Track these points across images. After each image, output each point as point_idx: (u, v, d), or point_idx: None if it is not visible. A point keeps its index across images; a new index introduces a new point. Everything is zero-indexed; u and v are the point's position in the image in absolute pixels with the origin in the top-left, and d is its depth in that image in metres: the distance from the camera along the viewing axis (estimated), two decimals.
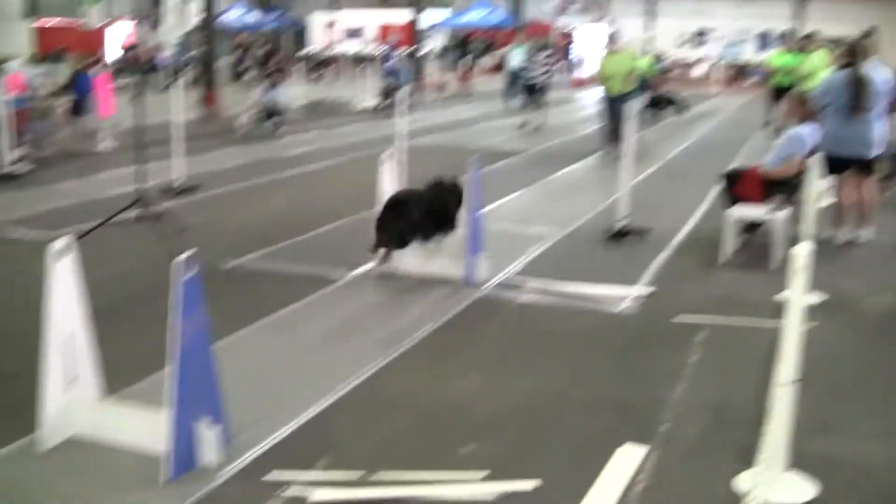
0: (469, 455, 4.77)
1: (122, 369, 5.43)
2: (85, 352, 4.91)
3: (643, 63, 23.97)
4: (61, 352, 4.76)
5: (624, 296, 7.53)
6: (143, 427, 4.72)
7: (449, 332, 6.74)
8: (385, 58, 25.46)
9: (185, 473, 4.45)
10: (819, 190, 8.48)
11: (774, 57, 20.36)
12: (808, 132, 9.03)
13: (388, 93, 23.06)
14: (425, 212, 7.95)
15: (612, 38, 17.23)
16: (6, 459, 4.72)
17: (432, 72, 30.93)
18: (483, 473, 4.55)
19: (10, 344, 6.45)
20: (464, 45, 42.91)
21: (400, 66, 24.30)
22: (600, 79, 16.85)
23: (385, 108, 23.04)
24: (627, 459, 4.73)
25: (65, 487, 4.46)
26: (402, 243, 7.96)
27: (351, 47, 45.01)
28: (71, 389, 4.84)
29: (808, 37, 18.69)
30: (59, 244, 4.71)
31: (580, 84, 36.29)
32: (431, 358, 6.22)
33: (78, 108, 17.41)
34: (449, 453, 4.79)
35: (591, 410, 5.38)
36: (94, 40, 36.05)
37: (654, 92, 23.15)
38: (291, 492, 4.37)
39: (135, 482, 4.46)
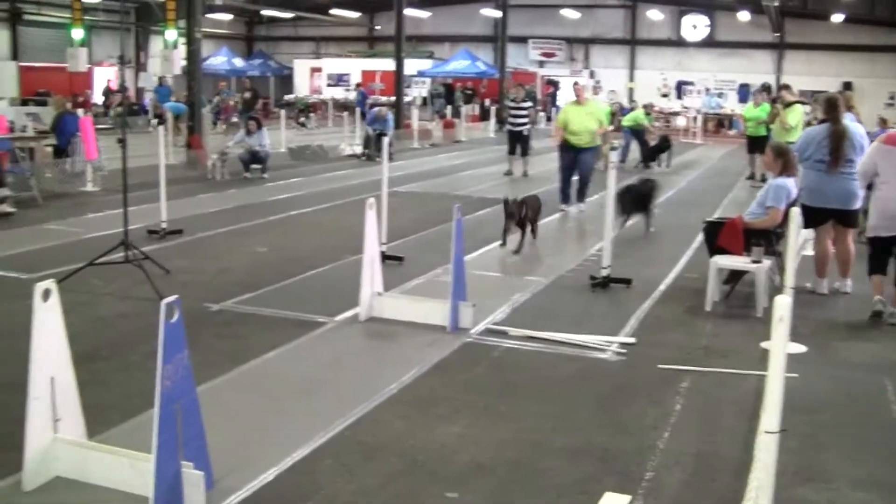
0: (451, 503, 4.77)
1: (106, 411, 5.42)
2: (69, 393, 4.90)
3: (637, 116, 24.33)
4: (45, 393, 4.76)
5: (608, 344, 7.56)
6: (128, 469, 4.70)
7: (434, 378, 6.75)
8: (370, 105, 25.60)
9: None
10: (800, 241, 8.55)
11: (747, 109, 21.65)
12: (790, 183, 9.15)
13: (372, 139, 23.17)
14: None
15: (577, 90, 15.56)
16: None
17: (416, 119, 31.05)
18: None
19: None
20: (448, 94, 43.21)
21: (384, 114, 24.39)
22: (564, 130, 14.98)
23: (370, 154, 23.14)
24: None
25: None
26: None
27: (335, 93, 45.21)
28: (55, 431, 4.82)
29: (785, 87, 19.01)
30: (42, 286, 4.71)
31: (559, 133, 36.47)
32: (416, 403, 6.22)
33: (62, 150, 17.43)
34: (431, 501, 4.79)
35: (574, 458, 5.39)
36: (79, 82, 36.11)
37: (649, 140, 23.51)
38: None
39: None
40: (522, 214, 11.43)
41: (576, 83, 16.52)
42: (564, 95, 43.05)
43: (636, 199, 13.21)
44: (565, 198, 15.16)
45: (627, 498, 4.83)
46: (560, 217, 14.65)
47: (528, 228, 11.75)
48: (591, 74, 45.08)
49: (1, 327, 7.92)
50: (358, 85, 42.25)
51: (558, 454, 5.44)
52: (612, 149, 10.73)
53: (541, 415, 6.10)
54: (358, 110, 31.75)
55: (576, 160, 14.95)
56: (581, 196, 15.28)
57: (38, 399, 4.73)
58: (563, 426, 5.92)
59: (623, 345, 7.59)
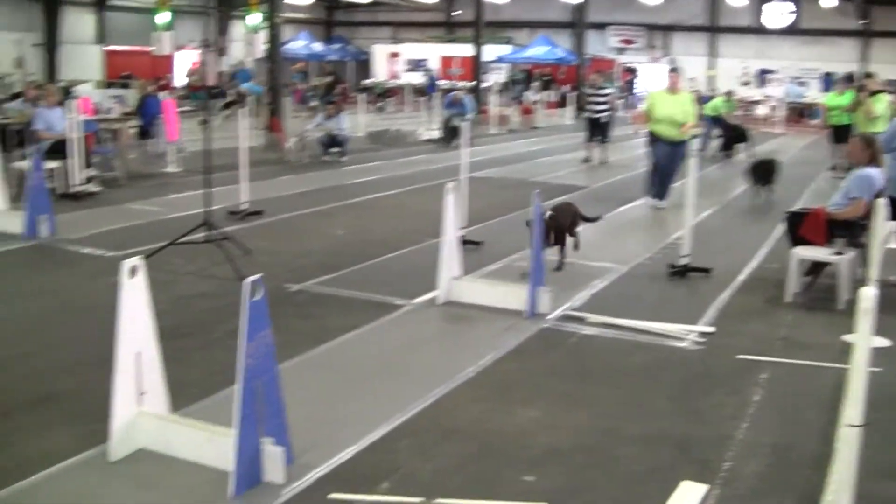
0: (528, 486, 4.78)
1: (188, 387, 5.53)
2: (153, 369, 5.01)
3: (717, 104, 24.00)
4: (131, 368, 4.87)
5: (686, 333, 7.50)
6: (209, 443, 4.80)
7: (511, 363, 6.76)
8: (446, 90, 25.62)
9: (250, 490, 4.52)
10: (886, 233, 8.39)
11: (829, 97, 20.88)
12: (875, 174, 8.96)
13: (450, 125, 23.19)
14: None
15: (672, 77, 14.32)
16: (78, 467, 4.86)
17: (495, 105, 31.01)
18: None
19: (82, 356, 6.59)
20: (526, 80, 43.08)
21: (463, 98, 24.41)
22: (650, 120, 14.21)
23: (447, 139, 23.17)
24: (687, 497, 4.71)
25: (132, 498, 4.56)
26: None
27: (413, 79, 45.31)
28: (140, 404, 4.94)
29: (868, 76, 18.58)
30: (129, 263, 4.81)
31: (643, 121, 36.18)
32: (493, 387, 6.24)
33: (146, 132, 17.75)
34: (508, 484, 4.81)
35: (651, 446, 5.37)
36: (162, 66, 36.68)
37: (729, 126, 23.18)
38: None
39: (200, 496, 4.54)
40: (556, 228, 9.55)
41: (672, 69, 15.45)
42: (643, 83, 42.73)
43: (765, 172, 15.22)
44: (655, 193, 14.27)
45: (705, 487, 4.80)
46: (638, 205, 14.52)
47: (567, 241, 9.85)
48: (672, 62, 44.58)
49: (87, 303, 8.12)
50: (427, 70, 42.33)
51: (635, 441, 5.43)
52: (693, 137, 10.60)
53: (618, 402, 6.09)
54: (434, 96, 31.80)
55: (671, 155, 13.83)
56: (664, 193, 14.25)
57: (124, 373, 4.84)
58: (640, 414, 5.90)
59: (702, 334, 7.52)
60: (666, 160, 14.03)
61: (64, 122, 14.14)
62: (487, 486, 4.76)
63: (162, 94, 19.92)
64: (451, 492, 4.64)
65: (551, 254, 9.41)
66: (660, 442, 5.42)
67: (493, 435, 5.45)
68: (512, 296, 7.93)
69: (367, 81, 46.19)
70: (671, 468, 5.04)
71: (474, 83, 32.58)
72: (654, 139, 14.18)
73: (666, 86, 14.35)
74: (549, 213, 9.33)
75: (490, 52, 40.28)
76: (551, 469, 5.01)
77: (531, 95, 36.96)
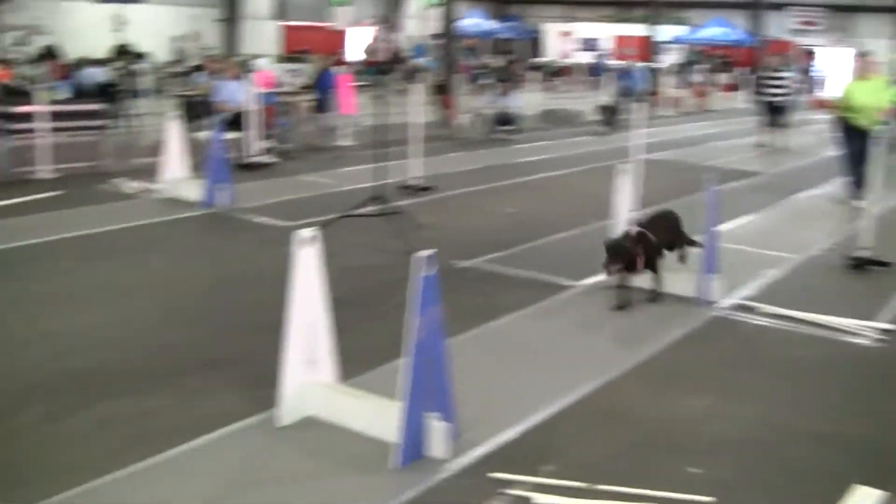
0: (694, 478, 4.67)
1: (355, 358, 5.59)
2: (324, 337, 5.10)
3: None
4: (302, 335, 4.97)
5: (865, 329, 7.18)
6: (375, 414, 4.85)
7: (680, 350, 6.62)
8: (620, 70, 25.28)
9: (413, 463, 4.55)
10: None
11: None
12: None
13: (620, 106, 22.88)
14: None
15: (865, 62, 13.43)
16: (247, 430, 5.01)
17: (667, 87, 30.45)
18: (710, 500, 4.43)
19: (253, 322, 6.78)
20: (701, 62, 42.11)
21: (634, 78, 24.04)
22: (843, 108, 13.15)
23: (617, 121, 22.86)
24: (861, 502, 4.51)
25: (298, 463, 4.66)
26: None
27: (585, 58, 44.87)
28: (309, 372, 5.03)
29: None
30: (305, 233, 4.90)
31: (820, 105, 34.87)
32: (661, 374, 6.12)
33: (321, 106, 18.10)
34: (673, 474, 4.70)
35: (823, 445, 5.16)
36: (336, 41, 37.38)
37: None
38: (514, 493, 4.39)
39: (364, 465, 4.60)
40: (649, 250, 7.48)
41: (863, 54, 14.25)
42: (822, 67, 41.17)
43: None
44: (855, 189, 12.96)
45: (879, 493, 4.57)
46: (815, 193, 14.00)
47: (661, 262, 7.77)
48: (860, 46, 42.80)
49: (259, 271, 8.34)
50: (598, 51, 41.87)
51: (807, 439, 5.23)
52: (883, 123, 10.11)
53: (790, 396, 5.88)
54: (603, 77, 31.42)
55: (864, 145, 12.34)
56: (861, 186, 12.41)
57: (296, 342, 4.95)
58: (813, 410, 5.68)
59: (883, 331, 7.18)
60: (861, 150, 12.60)
61: (243, 94, 14.55)
62: (652, 474, 4.66)
63: (337, 69, 20.26)
64: (615, 479, 4.56)
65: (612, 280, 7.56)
66: (833, 442, 5.21)
67: (660, 423, 5.34)
68: (682, 282, 7.75)
69: (538, 60, 46.00)
70: (844, 470, 4.82)
71: (647, 64, 32.01)
72: (848, 129, 13.13)
73: (857, 72, 13.44)
74: (635, 228, 7.51)
75: (664, 32, 39.52)
76: (718, 461, 4.87)
77: (705, 78, 36.09)
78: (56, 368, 5.92)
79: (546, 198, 12.98)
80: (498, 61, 34.47)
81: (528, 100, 24.74)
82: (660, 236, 7.57)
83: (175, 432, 4.90)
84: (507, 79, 21.97)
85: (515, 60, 37.21)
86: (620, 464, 4.79)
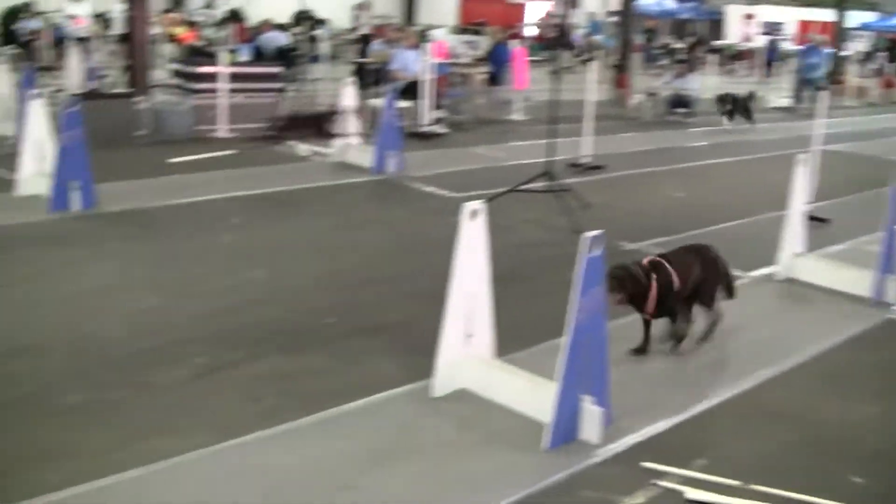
0: (855, 488, 4.47)
1: (513, 334, 5.56)
2: (483, 312, 5.08)
3: None
4: (462, 309, 4.96)
5: None
6: (529, 392, 4.82)
7: (850, 352, 6.33)
8: (805, 55, 24.39)
9: (564, 445, 4.50)
10: None
11: None
12: None
13: (802, 93, 22.11)
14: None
15: None
16: (402, 398, 5.06)
17: (853, 76, 29.24)
18: None
19: (415, 290, 6.86)
20: (891, 50, 40.28)
21: (821, 56, 23.16)
22: None
23: (798, 108, 22.13)
24: None
25: (450, 434, 4.68)
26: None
27: (764, 42, 43.58)
28: (466, 345, 5.03)
29: None
30: (472, 206, 4.88)
31: None
32: (828, 375, 5.88)
33: (494, 79, 18.10)
34: (833, 481, 4.49)
35: None
36: (514, 15, 37.32)
37: None
38: (666, 484, 4.29)
39: (515, 443, 4.58)
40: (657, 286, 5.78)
41: None
42: None
43: None
44: None
45: None
46: None
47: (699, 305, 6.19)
48: None
49: (425, 239, 8.41)
50: (767, 34, 40.54)
51: None
52: None
53: None
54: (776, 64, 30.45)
55: None
56: None
57: (455, 314, 4.95)
58: None
59: None
60: None
61: (418, 64, 14.66)
62: (810, 479, 4.47)
63: (513, 43, 20.21)
64: (770, 480, 4.39)
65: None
66: None
67: (822, 426, 5.13)
68: (858, 280, 7.41)
69: (719, 42, 44.86)
70: None
71: (833, 51, 30.77)
72: None
73: None
74: (652, 257, 6.02)
75: (854, 18, 37.93)
76: (884, 474, 4.65)
77: (886, 67, 34.50)
78: (220, 322, 6.11)
79: (716, 183, 12.67)
80: (678, 43, 33.79)
81: (706, 82, 24.18)
82: (684, 274, 5.89)
83: (331, 394, 4.99)
84: (687, 60, 21.48)
85: (697, 42, 36.40)
86: (776, 464, 4.62)
